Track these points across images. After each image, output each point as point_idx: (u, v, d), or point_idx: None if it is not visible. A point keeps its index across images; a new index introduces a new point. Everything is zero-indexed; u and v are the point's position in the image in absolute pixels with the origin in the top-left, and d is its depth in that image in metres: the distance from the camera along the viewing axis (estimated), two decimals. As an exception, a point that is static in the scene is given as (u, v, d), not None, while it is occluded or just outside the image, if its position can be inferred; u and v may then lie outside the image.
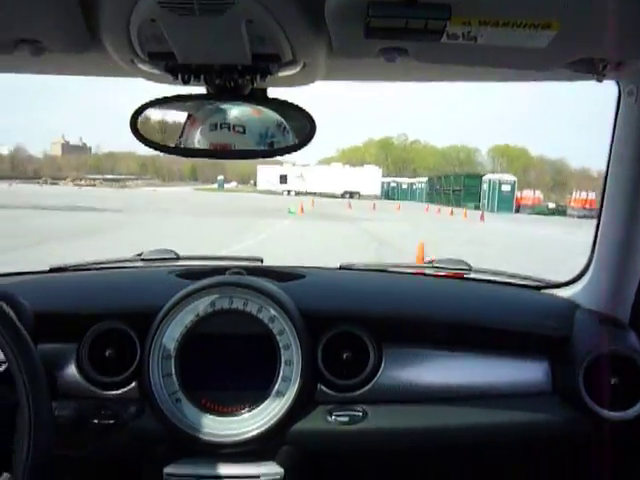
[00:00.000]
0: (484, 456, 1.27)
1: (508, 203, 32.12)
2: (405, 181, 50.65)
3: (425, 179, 47.06)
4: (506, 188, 32.78)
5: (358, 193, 42.69)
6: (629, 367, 1.18)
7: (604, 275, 1.34)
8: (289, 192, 44.25)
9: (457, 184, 38.01)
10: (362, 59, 0.95)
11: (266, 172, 46.99)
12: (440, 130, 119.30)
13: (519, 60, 0.94)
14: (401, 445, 1.23)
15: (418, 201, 43.98)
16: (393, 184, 50.13)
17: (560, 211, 30.47)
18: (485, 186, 33.83)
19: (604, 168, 1.31)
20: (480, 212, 25.37)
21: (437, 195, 41.54)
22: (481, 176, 36.70)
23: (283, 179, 46.48)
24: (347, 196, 41.46)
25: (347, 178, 43.56)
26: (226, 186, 58.98)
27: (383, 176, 48.73)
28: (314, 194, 41.74)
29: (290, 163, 46.11)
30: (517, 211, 31.77)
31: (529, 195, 33.75)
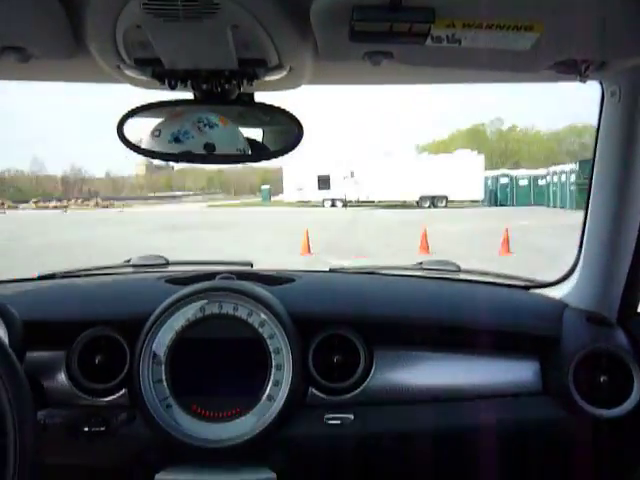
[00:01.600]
0: (475, 457, 1.26)
1: None
2: (524, 174, 28.82)
3: (569, 167, 23.11)
4: None
5: (445, 198, 26.26)
6: (618, 365, 1.19)
7: (591, 274, 1.35)
8: (333, 203, 28.11)
9: None
10: (348, 62, 0.96)
11: (295, 173, 28.73)
12: (543, 110, 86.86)
13: (503, 62, 0.95)
14: (393, 447, 1.22)
15: (562, 206, 22.11)
16: (504, 179, 28.48)
17: None
18: None
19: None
20: None
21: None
22: None
23: (323, 182, 28.42)
24: (426, 204, 26.04)
25: (426, 173, 25.58)
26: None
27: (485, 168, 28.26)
28: (372, 203, 27.13)
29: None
30: None
31: None
